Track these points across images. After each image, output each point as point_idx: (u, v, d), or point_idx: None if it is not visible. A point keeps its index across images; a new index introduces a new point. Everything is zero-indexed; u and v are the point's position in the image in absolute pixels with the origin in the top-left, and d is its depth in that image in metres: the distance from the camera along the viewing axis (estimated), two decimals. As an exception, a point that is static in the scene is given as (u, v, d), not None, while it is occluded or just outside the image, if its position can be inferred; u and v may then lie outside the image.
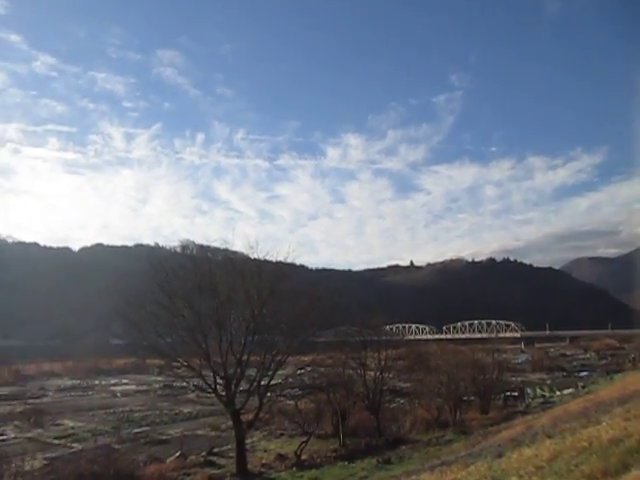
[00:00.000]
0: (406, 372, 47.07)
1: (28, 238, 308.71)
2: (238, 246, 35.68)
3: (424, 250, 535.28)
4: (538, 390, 55.21)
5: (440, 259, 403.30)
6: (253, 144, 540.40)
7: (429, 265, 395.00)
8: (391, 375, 41.02)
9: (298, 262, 42.70)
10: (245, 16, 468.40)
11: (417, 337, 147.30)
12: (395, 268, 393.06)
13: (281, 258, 31.81)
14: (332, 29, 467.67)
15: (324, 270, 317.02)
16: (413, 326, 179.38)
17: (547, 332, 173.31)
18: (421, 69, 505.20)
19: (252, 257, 31.13)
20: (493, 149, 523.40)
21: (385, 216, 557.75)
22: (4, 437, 38.64)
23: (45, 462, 28.88)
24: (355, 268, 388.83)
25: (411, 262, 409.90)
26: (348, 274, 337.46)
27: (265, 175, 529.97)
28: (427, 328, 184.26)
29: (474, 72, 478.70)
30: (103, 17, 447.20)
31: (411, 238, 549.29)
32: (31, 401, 58.41)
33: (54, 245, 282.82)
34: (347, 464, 27.18)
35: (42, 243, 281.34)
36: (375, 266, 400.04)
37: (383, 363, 38.19)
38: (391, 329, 74.81)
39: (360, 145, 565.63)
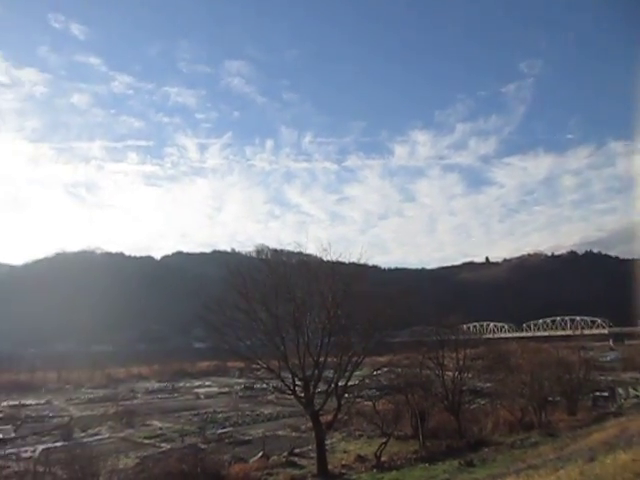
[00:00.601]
0: (486, 372, 45.61)
1: (114, 249, 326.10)
2: (311, 249, 35.95)
3: (500, 245, 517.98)
4: (631, 390, 51.93)
5: (517, 254, 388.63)
6: (321, 147, 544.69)
7: (506, 261, 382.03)
8: (470, 375, 39.89)
9: (371, 263, 42.64)
10: (306, 20, 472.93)
11: (496, 335, 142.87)
12: (470, 265, 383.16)
13: (354, 259, 31.76)
14: (394, 26, 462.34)
15: (397, 270, 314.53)
16: (491, 324, 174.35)
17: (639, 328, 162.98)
18: (488, 59, 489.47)
19: (325, 259, 31.26)
20: (569, 136, 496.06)
21: (457, 212, 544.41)
22: (100, 437, 40.93)
23: (137, 461, 30.27)
24: (428, 266, 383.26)
25: (486, 258, 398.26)
26: (421, 273, 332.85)
27: (334, 177, 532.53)
28: (506, 326, 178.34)
29: (545, 58, 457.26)
30: (172, 34, 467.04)
31: (485, 234, 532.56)
32: (122, 403, 61.48)
33: (138, 254, 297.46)
34: (428, 466, 26.68)
35: (127, 253, 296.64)
36: (449, 264, 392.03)
37: (461, 363, 37.21)
38: (468, 328, 73.02)
39: (428, 141, 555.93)
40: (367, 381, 36.62)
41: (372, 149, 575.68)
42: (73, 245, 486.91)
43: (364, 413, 38.00)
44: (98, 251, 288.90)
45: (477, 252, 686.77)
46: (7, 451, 35.61)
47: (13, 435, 42.11)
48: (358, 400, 38.70)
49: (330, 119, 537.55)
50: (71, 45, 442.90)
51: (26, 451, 35.06)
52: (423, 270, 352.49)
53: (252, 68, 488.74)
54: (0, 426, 46.32)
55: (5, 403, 62.21)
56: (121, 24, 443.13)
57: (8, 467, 30.63)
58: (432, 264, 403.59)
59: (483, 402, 46.67)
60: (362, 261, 31.79)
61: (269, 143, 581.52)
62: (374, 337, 30.71)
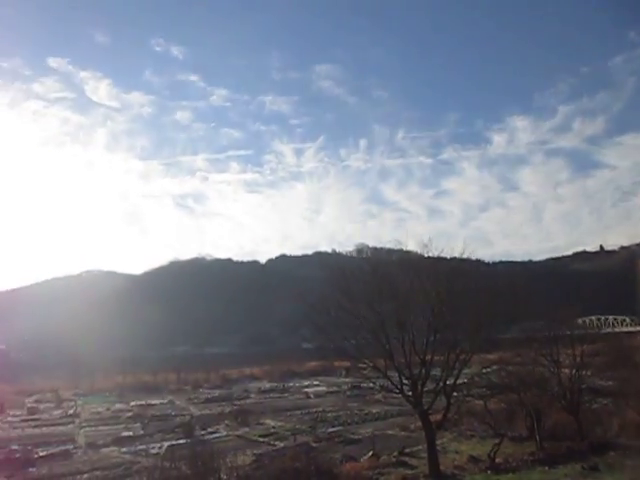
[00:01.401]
0: (607, 369, 42.33)
1: (223, 255, 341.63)
2: (412, 245, 35.37)
3: (615, 232, 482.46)
4: None
5: (637, 240, 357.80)
6: (414, 142, 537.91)
7: (623, 248, 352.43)
8: (589, 372, 37.23)
9: (473, 257, 41.09)
10: (389, 17, 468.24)
11: (616, 330, 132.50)
12: (582, 255, 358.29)
13: (456, 254, 30.83)
14: (479, 11, 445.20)
15: (502, 263, 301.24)
16: (610, 318, 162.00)
17: None
18: (590, 32, 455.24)
19: (427, 255, 30.62)
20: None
21: (564, 199, 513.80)
22: (218, 434, 43.00)
23: (253, 458, 31.42)
24: (536, 258, 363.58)
25: (600, 247, 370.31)
26: (528, 265, 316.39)
27: (429, 171, 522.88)
28: (627, 319, 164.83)
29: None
30: (263, 44, 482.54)
31: (597, 220, 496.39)
32: (237, 402, 64.12)
33: (244, 259, 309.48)
34: (547, 469, 25.29)
35: (235, 258, 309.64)
36: (558, 254, 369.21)
37: (579, 359, 34.83)
38: (584, 322, 68.25)
39: (528, 127, 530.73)
40: (476, 379, 35.47)
41: (468, 140, 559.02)
42: (186, 253, 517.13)
43: (475, 412, 36.81)
44: (208, 258, 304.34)
45: (589, 240, 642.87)
46: (137, 447, 38.45)
47: (141, 433, 45.31)
48: (468, 399, 37.56)
49: (422, 113, 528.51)
50: (172, 66, 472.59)
51: (153, 447, 37.63)
52: (530, 262, 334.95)
53: (341, 70, 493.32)
54: (130, 424, 50.02)
55: (133, 403, 67.10)
56: (215, 41, 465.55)
57: (138, 462, 33.05)
58: (540, 255, 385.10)
59: (605, 402, 43.42)
60: (465, 255, 30.85)
61: (362, 142, 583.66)
62: (481, 334, 29.62)
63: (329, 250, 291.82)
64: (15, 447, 38.00)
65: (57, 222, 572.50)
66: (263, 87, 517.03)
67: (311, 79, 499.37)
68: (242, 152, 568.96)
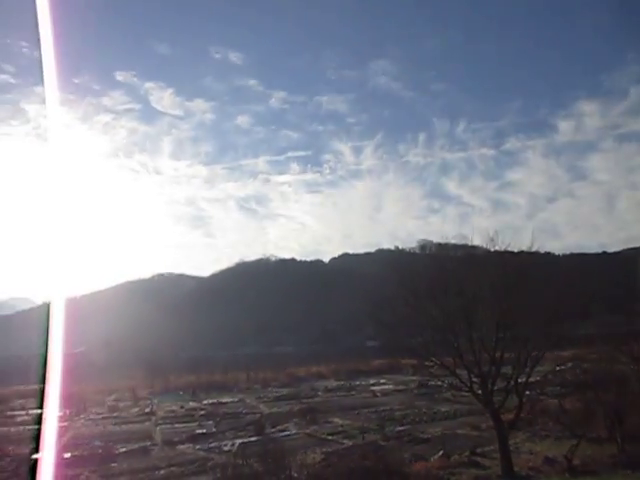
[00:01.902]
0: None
1: (286, 255, 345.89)
2: (477, 240, 34.54)
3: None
4: None
5: None
6: (476, 134, 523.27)
7: None
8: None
9: (542, 250, 39.68)
10: (444, 6, 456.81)
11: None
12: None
13: (523, 247, 29.90)
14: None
15: (573, 255, 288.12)
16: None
17: None
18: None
19: (493, 250, 29.86)
20: None
21: (639, 186, 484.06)
22: (288, 432, 43.65)
23: (322, 456, 31.70)
24: (610, 249, 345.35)
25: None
26: (602, 257, 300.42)
27: (493, 163, 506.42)
28: None
29: None
30: (318, 44, 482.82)
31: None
32: (305, 401, 64.77)
33: (308, 259, 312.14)
34: (631, 473, 24.02)
35: (298, 258, 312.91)
36: (636, 244, 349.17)
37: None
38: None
39: (596, 111, 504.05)
40: (550, 377, 34.24)
41: (532, 128, 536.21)
42: (251, 254, 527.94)
43: (549, 412, 35.55)
44: (272, 258, 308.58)
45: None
46: (210, 445, 39.66)
47: (214, 430, 46.68)
48: (541, 398, 36.34)
49: (483, 103, 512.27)
50: (231, 72, 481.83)
51: (226, 445, 38.70)
52: (604, 254, 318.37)
53: (396, 65, 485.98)
54: (203, 422, 51.63)
55: (206, 401, 69.22)
56: (271, 44, 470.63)
57: (212, 459, 34.10)
58: (615, 246, 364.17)
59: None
60: (533, 249, 29.88)
61: (422, 137, 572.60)
62: (553, 330, 28.56)
63: (391, 247, 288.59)
64: (98, 443, 40.07)
65: (129, 228, 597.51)
66: (319, 87, 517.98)
67: (367, 76, 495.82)
68: (301, 153, 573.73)
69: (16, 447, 37.67)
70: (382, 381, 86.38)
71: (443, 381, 32.23)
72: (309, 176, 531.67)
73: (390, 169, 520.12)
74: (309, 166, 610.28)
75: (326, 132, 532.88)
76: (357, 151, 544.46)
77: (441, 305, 27.61)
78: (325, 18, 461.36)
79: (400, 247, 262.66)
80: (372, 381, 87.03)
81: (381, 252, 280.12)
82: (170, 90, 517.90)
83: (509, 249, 30.02)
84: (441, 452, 30.39)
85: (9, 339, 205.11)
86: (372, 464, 24.49)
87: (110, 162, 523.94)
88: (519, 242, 30.20)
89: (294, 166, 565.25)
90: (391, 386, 77.94)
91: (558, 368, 34.51)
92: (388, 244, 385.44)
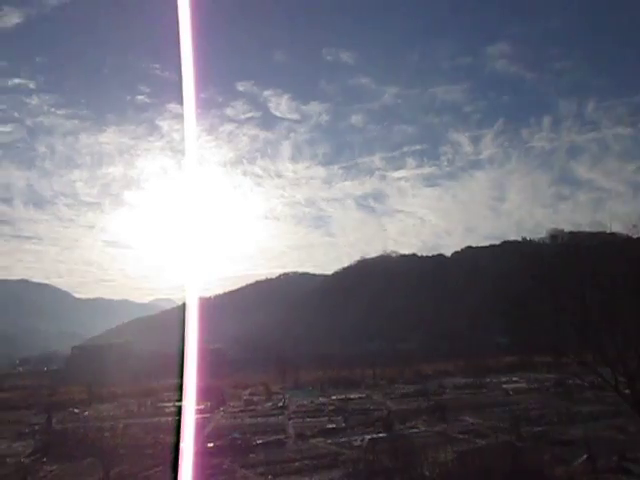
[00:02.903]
0: None
1: (407, 251, 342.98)
2: (616, 227, 31.58)
3: None
4: None
5: None
6: (608, 112, 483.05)
7: None
8: None
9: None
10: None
11: None
12: None
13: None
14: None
15: None
16: None
17: None
18: None
19: (636, 237, 27.15)
20: None
21: None
22: (416, 430, 43.08)
23: (454, 455, 30.81)
24: None
25: None
26: None
27: (630, 142, 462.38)
28: None
29: None
30: (429, 35, 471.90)
31: None
32: (433, 398, 63.54)
33: (429, 254, 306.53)
34: None
35: (419, 253, 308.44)
36: None
37: None
38: None
39: None
40: None
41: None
42: (371, 251, 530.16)
43: None
44: (394, 255, 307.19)
45: None
46: (341, 439, 40.31)
47: (343, 425, 47.36)
48: None
49: (614, 79, 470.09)
50: (343, 72, 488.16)
51: (355, 440, 39.11)
52: None
53: (515, 46, 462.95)
54: (333, 417, 52.64)
55: (334, 397, 70.54)
56: (381, 41, 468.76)
57: (343, 453, 34.62)
58: None
59: None
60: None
61: (546, 120, 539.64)
62: None
63: (518, 238, 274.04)
64: (237, 435, 42.40)
65: (255, 230, 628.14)
66: (433, 78, 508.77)
67: (483, 62, 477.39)
68: (417, 147, 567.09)
69: (166, 436, 40.93)
70: (514, 379, 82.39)
71: (583, 380, 29.87)
72: (426, 170, 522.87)
73: (513, 156, 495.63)
74: (425, 160, 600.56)
75: (442, 123, 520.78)
76: (476, 140, 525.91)
77: (578, 297, 25.61)
78: (434, 8, 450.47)
79: (528, 238, 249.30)
80: (503, 379, 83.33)
81: (507, 244, 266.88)
82: (287, 96, 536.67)
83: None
84: (585, 456, 28.18)
85: (155, 337, 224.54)
86: (508, 465, 23.35)
87: (235, 169, 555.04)
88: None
89: (410, 161, 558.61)
90: (524, 384, 74.09)
91: None
92: (514, 235, 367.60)
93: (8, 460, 37.86)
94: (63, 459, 36.49)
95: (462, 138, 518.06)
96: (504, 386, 73.49)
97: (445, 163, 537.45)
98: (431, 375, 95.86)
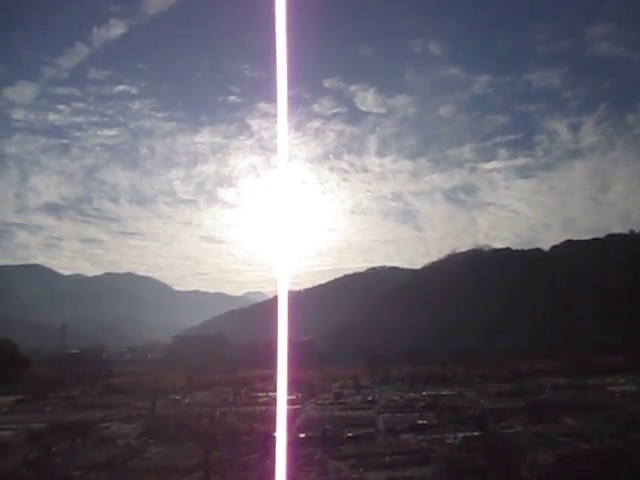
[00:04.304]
0: None
1: (500, 245, 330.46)
2: None
3: None
4: None
5: None
6: None
7: None
8: None
9: None
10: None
11: None
12: None
13: None
14: None
15: None
16: None
17: None
18: None
19: None
20: None
21: None
22: (512, 430, 41.46)
23: (554, 458, 29.33)
24: None
25: None
26: None
27: None
28: None
29: None
30: (523, 19, 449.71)
31: None
32: (530, 397, 60.87)
33: (525, 248, 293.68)
34: None
35: (514, 247, 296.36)
36: None
37: None
38: None
39: None
40: None
41: None
42: (462, 245, 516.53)
43: None
44: (486, 249, 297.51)
45: None
46: (432, 436, 39.66)
47: (435, 422, 46.55)
48: None
49: None
50: (431, 63, 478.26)
51: (447, 437, 38.30)
52: None
53: (618, 26, 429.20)
54: (424, 413, 51.90)
55: (424, 392, 69.52)
56: (471, 29, 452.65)
57: (434, 451, 34.01)
58: None
59: None
60: None
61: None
62: None
63: (624, 231, 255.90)
64: (327, 427, 42.92)
65: (343, 225, 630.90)
66: (527, 64, 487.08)
67: (583, 44, 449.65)
68: (510, 137, 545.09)
69: (260, 424, 42.28)
70: (621, 380, 76.97)
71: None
72: (520, 161, 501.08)
73: (617, 144, 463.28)
74: (519, 150, 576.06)
75: (538, 111, 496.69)
76: (575, 128, 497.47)
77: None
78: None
79: (636, 231, 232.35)
80: (608, 380, 78.10)
81: (611, 237, 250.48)
82: (372, 90, 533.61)
83: None
84: None
85: (248, 328, 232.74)
86: (615, 472, 21.86)
87: (322, 164, 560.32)
88: None
89: (502, 152, 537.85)
90: (634, 387, 68.94)
91: None
92: (619, 228, 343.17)
93: (119, 441, 40.67)
94: (166, 442, 38.65)
95: (560, 126, 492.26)
96: (609, 388, 68.88)
97: (541, 153, 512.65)
98: (527, 373, 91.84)
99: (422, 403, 59.45)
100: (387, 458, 33.20)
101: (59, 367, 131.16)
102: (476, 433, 39.03)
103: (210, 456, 30.20)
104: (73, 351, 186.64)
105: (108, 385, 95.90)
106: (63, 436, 40.07)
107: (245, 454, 33.04)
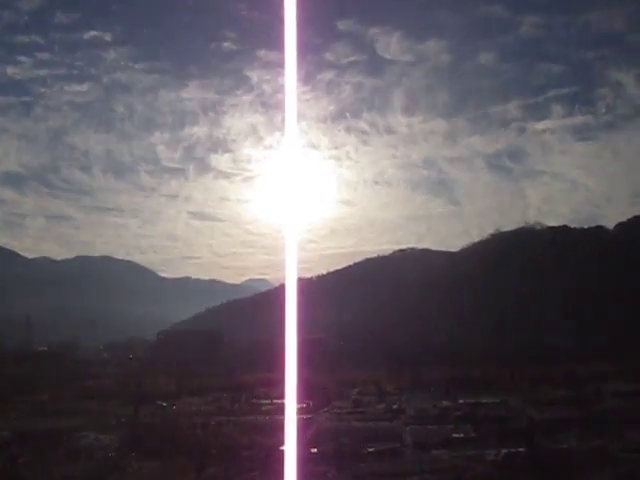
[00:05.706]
0: None
1: (555, 222, 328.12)
2: None
3: None
4: None
5: None
6: None
7: None
8: None
9: None
10: None
11: None
12: None
13: None
14: None
15: None
16: None
17: None
18: None
19: None
20: None
21: None
22: (565, 445, 41.73)
23: (615, 478, 29.60)
24: None
25: None
26: None
27: None
28: None
29: None
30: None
31: None
32: (587, 406, 60.98)
33: (585, 226, 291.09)
34: None
35: (572, 225, 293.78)
36: None
37: None
38: None
39: None
40: None
41: None
42: (508, 223, 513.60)
43: None
44: (538, 227, 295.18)
45: None
46: (469, 452, 40.02)
47: (473, 435, 46.96)
48: None
49: None
50: (469, 0, 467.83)
51: (488, 454, 38.65)
52: None
53: None
54: (460, 425, 52.31)
55: (461, 400, 69.89)
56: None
57: (472, 469, 34.38)
58: None
59: None
60: None
61: None
62: None
63: None
64: (344, 440, 43.50)
65: (360, 199, 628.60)
66: (586, 3, 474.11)
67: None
68: (565, 90, 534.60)
69: (263, 437, 42.91)
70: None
71: None
72: (578, 119, 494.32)
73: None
74: (577, 106, 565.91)
75: (599, 59, 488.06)
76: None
77: None
78: None
79: None
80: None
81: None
82: (397, 33, 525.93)
83: None
84: None
85: (249, 323, 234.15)
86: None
87: (337, 124, 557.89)
88: None
89: (557, 108, 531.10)
90: None
91: None
92: None
93: (96, 454, 41.46)
94: (152, 456, 39.43)
95: (626, 77, 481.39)
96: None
97: (603, 110, 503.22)
98: (585, 378, 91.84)
99: (458, 413, 59.85)
100: (415, 477, 33.63)
101: (24, 366, 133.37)
102: (522, 449, 39.33)
103: (203, 473, 30.78)
104: (40, 348, 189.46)
105: (82, 388, 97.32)
106: (31, 446, 40.94)
107: (244, 471, 33.63)
